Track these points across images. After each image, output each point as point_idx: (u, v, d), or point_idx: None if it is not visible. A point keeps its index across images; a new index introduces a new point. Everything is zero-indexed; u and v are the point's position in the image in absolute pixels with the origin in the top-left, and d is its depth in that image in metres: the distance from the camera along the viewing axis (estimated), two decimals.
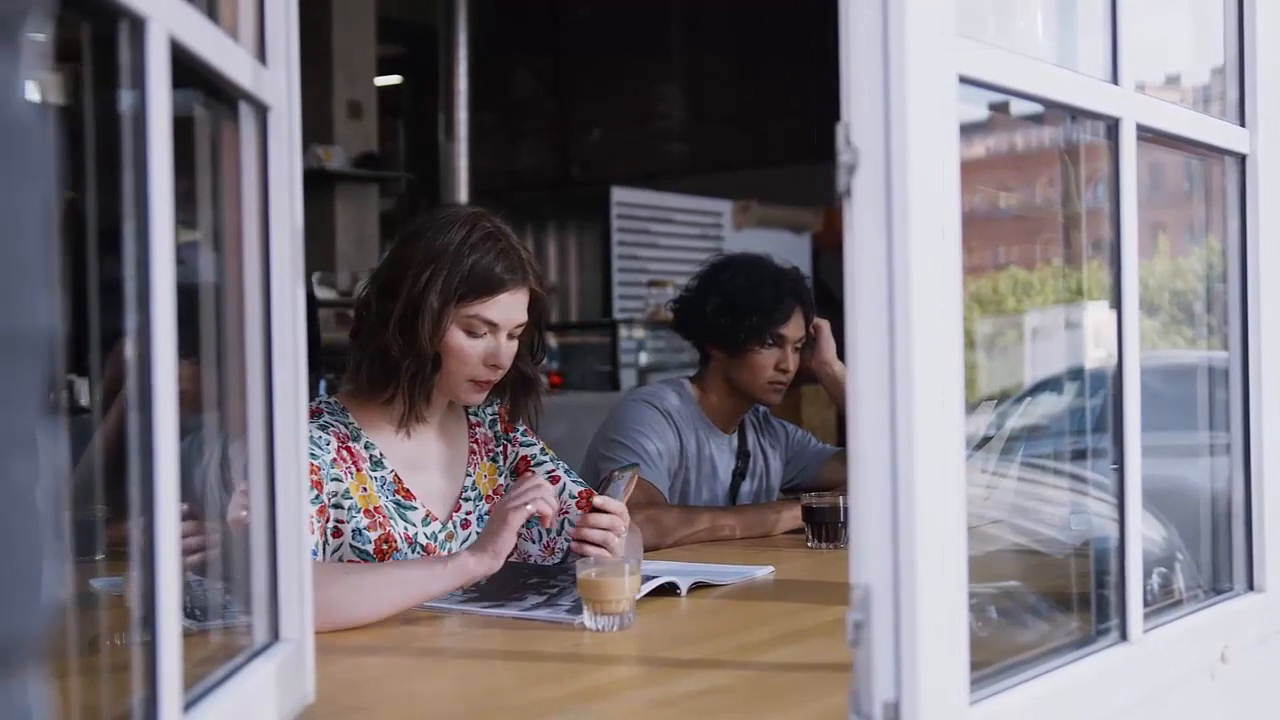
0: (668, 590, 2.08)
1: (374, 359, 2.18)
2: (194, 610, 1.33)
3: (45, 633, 0.57)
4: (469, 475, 2.33)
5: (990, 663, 1.31)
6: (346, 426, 2.19)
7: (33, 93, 0.57)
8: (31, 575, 0.55)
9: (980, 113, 1.42)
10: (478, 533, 2.27)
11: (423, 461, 2.27)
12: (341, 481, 2.12)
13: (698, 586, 2.16)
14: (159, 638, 0.99)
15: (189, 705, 1.08)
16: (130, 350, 1.00)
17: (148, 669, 0.99)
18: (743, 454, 3.10)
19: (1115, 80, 1.49)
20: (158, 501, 0.99)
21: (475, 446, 2.36)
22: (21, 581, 0.55)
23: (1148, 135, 1.55)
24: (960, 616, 1.20)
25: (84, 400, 2.40)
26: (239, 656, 1.29)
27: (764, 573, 2.31)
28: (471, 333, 2.17)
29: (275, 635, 1.35)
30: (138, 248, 0.99)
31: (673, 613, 2.03)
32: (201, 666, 1.21)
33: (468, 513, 2.31)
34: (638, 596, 1.90)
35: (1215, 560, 1.83)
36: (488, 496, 2.33)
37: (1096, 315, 1.89)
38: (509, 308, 2.19)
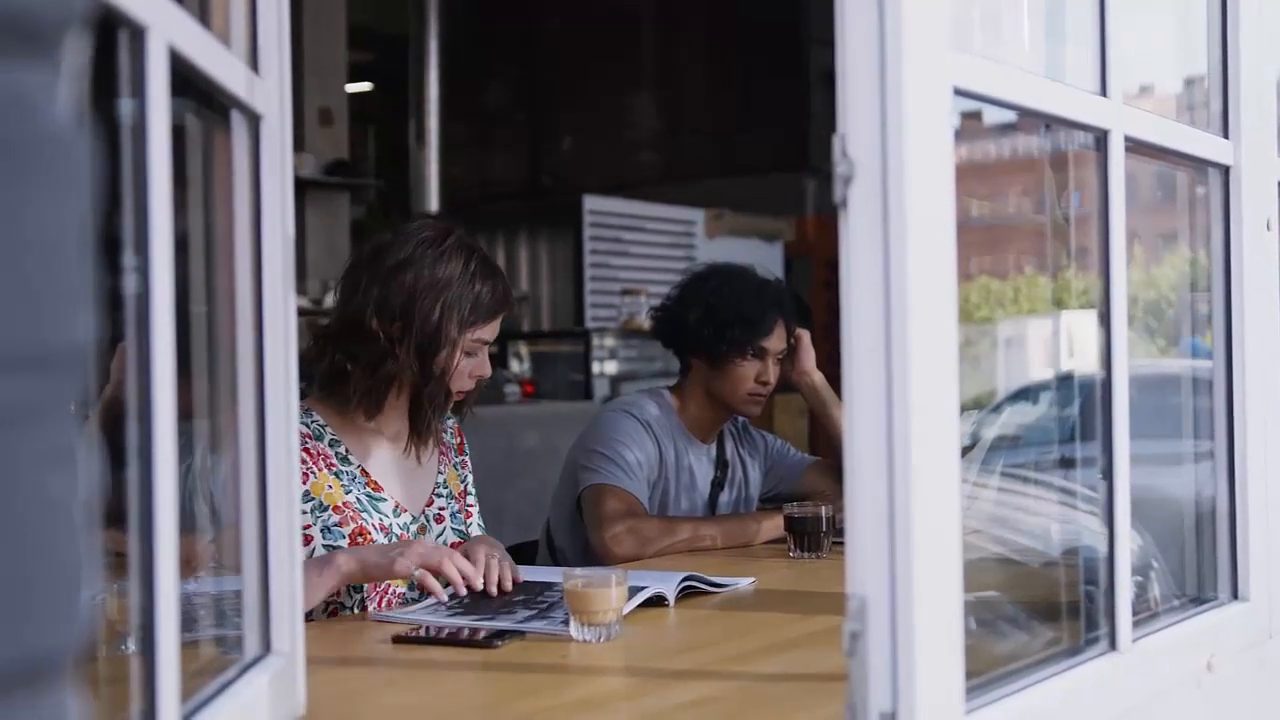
0: (654, 601, 2.08)
1: (383, 383, 2.24)
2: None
3: (83, 644, 0.57)
4: (440, 473, 2.41)
5: (983, 672, 1.31)
6: (308, 426, 2.22)
7: (71, 105, 0.56)
8: (70, 588, 0.55)
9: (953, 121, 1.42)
10: (452, 528, 2.38)
11: (391, 459, 2.33)
12: (300, 484, 2.14)
13: (687, 588, 2.17)
14: (158, 651, 0.98)
15: (186, 718, 1.07)
16: (129, 359, 0.99)
17: (146, 682, 0.98)
18: (721, 464, 3.10)
19: (1104, 92, 1.50)
20: (156, 514, 0.98)
21: (444, 448, 2.44)
22: (61, 594, 0.54)
23: (1134, 146, 1.56)
24: (956, 626, 1.20)
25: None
26: (232, 669, 1.28)
27: (746, 583, 2.32)
28: (470, 354, 2.28)
29: (267, 648, 1.34)
30: (137, 256, 0.98)
31: (659, 624, 2.02)
32: (193, 679, 1.20)
33: (440, 508, 2.38)
34: (627, 610, 1.89)
35: (1200, 569, 1.84)
36: (457, 496, 2.42)
37: (1072, 324, 1.90)
38: (499, 326, 2.33)
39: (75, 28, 0.57)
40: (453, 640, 1.85)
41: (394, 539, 2.24)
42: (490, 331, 2.30)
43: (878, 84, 1.16)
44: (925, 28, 1.18)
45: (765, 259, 7.28)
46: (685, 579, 2.17)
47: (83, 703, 0.58)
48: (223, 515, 1.41)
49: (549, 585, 2.16)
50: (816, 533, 2.60)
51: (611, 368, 7.51)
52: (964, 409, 1.99)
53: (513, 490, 5.26)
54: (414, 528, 2.30)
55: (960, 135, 1.49)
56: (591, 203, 8.16)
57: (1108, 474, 1.50)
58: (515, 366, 7.51)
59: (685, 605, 2.13)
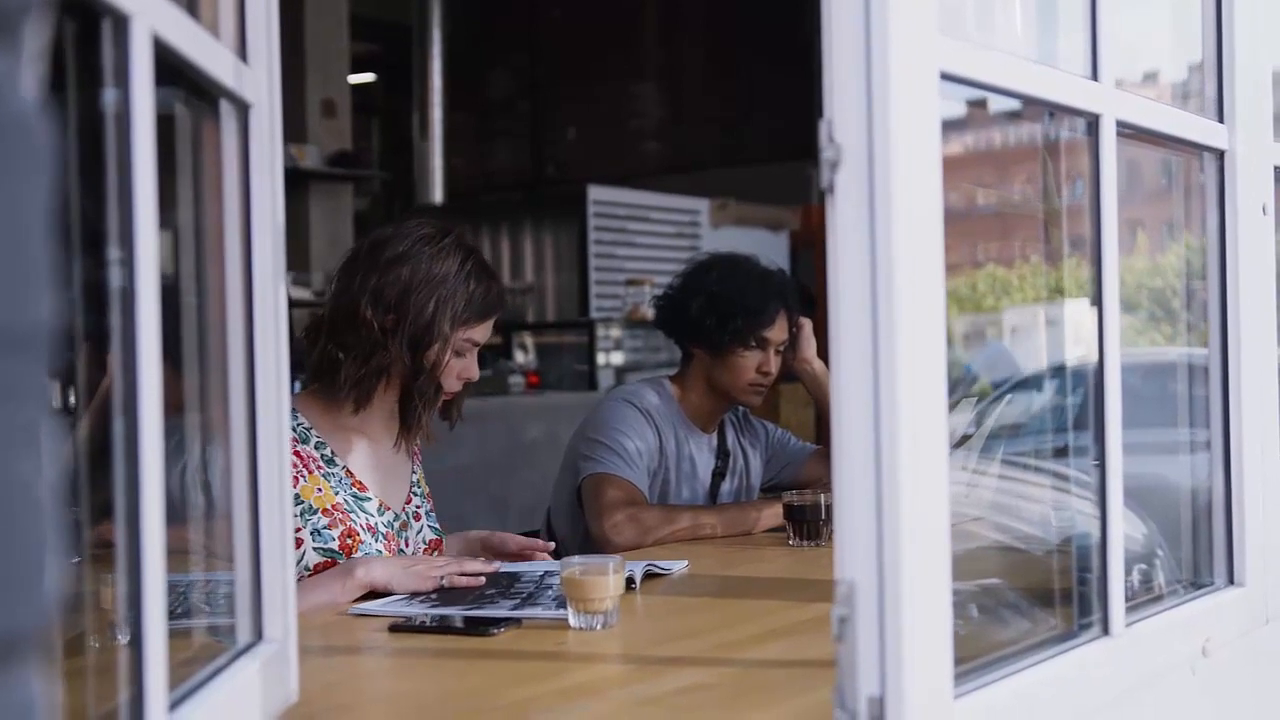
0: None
1: (374, 375, 2.26)
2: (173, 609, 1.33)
3: (48, 627, 0.57)
4: (414, 473, 2.45)
5: (974, 657, 1.31)
6: (294, 429, 2.23)
7: (33, 90, 0.56)
8: (35, 570, 0.55)
9: (957, 109, 1.42)
10: (429, 525, 2.42)
11: (372, 458, 2.35)
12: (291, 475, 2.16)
13: (650, 576, 2.22)
14: (145, 638, 0.98)
15: (174, 705, 1.07)
16: (114, 352, 0.99)
17: (133, 669, 0.98)
18: (723, 453, 3.10)
19: (1095, 77, 1.50)
20: (143, 503, 0.99)
21: (418, 449, 2.47)
22: (26, 576, 0.55)
23: (1127, 131, 1.56)
24: (945, 611, 1.20)
25: (56, 402, 2.40)
26: (223, 656, 1.28)
27: (680, 566, 2.35)
28: (459, 354, 2.30)
29: (259, 635, 1.35)
30: (122, 248, 0.98)
31: (653, 611, 2.03)
32: (183, 666, 1.21)
33: (417, 506, 2.42)
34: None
35: (1196, 555, 1.84)
36: (426, 496, 2.46)
37: (1075, 313, 1.90)
38: (490, 329, 2.35)
39: (38, 11, 0.57)
40: (448, 628, 1.85)
41: (380, 538, 2.26)
42: (481, 333, 2.32)
43: (864, 68, 1.16)
44: (912, 11, 1.17)
45: (770, 248, 7.27)
46: (647, 565, 2.23)
47: (48, 683, 0.59)
48: (219, 506, 1.41)
49: (517, 577, 2.17)
50: (815, 521, 2.60)
51: (616, 358, 7.51)
52: (968, 397, 1.99)
53: (516, 481, 5.26)
54: (396, 525, 2.32)
55: (965, 123, 1.49)
56: (596, 193, 8.15)
57: (1100, 459, 1.50)
58: (520, 357, 7.51)
59: (683, 593, 2.13)
